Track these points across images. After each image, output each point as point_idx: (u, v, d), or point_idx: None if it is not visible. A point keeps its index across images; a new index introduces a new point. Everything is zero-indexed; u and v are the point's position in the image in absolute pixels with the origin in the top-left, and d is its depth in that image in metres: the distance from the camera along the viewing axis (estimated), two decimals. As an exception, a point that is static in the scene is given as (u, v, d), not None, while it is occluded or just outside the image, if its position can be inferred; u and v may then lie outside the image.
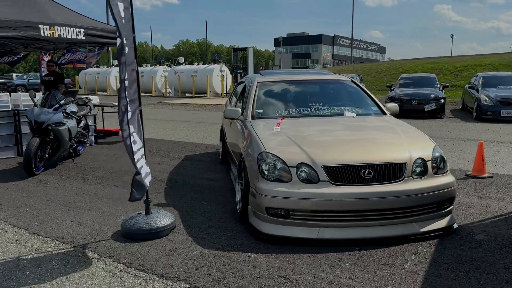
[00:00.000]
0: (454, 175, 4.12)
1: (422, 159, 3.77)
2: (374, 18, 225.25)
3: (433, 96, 13.61)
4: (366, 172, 3.60)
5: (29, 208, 4.77)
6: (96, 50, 9.93)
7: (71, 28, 7.62)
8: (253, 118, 4.85)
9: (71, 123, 6.70)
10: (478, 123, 11.97)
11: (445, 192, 3.73)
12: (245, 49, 24.10)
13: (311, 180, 3.61)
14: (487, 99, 12.42)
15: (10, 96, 7.89)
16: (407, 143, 3.96)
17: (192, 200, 4.96)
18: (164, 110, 18.39)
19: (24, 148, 7.04)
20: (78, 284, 3.04)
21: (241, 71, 23.89)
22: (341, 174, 3.60)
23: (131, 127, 3.68)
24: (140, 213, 4.05)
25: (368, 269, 3.16)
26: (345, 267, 3.21)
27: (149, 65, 33.56)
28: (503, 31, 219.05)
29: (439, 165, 3.84)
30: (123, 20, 3.65)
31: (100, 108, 9.94)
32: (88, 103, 7.75)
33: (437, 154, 3.88)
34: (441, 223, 3.76)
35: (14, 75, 33.48)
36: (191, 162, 7.18)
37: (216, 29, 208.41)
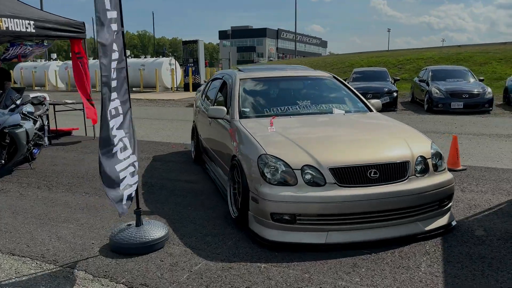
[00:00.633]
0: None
1: (423, 156, 3.75)
2: (315, 12, 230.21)
3: (386, 89, 13.98)
4: (372, 172, 3.51)
5: (-7, 223, 4.24)
6: (44, 43, 9.18)
7: (20, 20, 6.94)
8: (240, 117, 4.61)
9: (28, 124, 6.10)
10: (431, 115, 12.45)
11: (445, 189, 3.74)
12: (195, 42, 23.50)
13: (317, 182, 3.46)
14: (438, 91, 12.95)
15: None
16: (407, 140, 3.92)
17: (177, 206, 4.65)
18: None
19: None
20: (77, 312, 2.70)
21: (192, 64, 23.33)
22: (348, 175, 3.48)
23: (121, 131, 3.35)
24: (130, 224, 3.70)
25: (385, 274, 3.08)
26: (362, 272, 3.10)
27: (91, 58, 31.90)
28: (434, 25, 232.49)
29: (438, 162, 3.84)
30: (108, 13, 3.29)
31: (52, 106, 9.21)
32: (43, 102, 7.10)
33: (434, 151, 3.88)
34: (443, 221, 3.77)
35: None
36: (161, 163, 6.79)
37: (158, 21, 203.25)
